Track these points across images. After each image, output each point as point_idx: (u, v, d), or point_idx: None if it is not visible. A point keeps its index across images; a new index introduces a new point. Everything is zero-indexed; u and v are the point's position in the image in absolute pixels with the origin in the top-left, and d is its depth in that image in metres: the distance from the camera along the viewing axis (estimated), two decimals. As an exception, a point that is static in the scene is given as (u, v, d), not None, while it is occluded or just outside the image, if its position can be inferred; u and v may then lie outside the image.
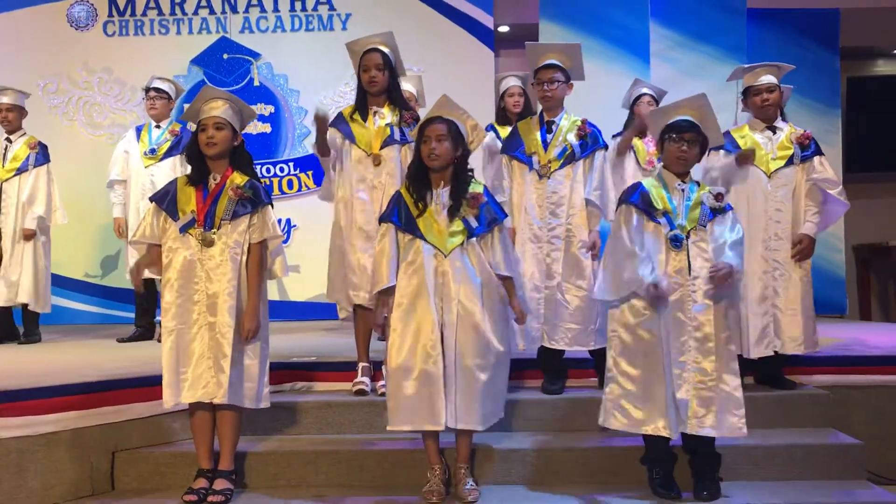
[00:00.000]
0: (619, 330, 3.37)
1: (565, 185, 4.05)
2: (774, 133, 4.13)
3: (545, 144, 4.08)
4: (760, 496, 3.39)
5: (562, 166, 4.05)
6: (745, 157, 3.94)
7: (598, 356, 4.08)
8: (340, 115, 4.19)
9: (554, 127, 4.10)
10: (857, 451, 3.67)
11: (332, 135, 4.13)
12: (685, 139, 3.35)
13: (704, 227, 3.35)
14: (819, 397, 4.03)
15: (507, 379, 3.46)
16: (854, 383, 4.26)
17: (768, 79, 4.14)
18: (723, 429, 3.30)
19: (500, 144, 5.35)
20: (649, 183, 3.43)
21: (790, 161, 4.10)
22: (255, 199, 3.40)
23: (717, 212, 3.37)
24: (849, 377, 4.29)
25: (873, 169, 7.64)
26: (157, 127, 5.68)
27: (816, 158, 4.14)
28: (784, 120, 5.28)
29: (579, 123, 4.10)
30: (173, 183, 3.50)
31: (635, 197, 3.38)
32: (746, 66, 4.26)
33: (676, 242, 3.33)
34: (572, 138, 4.06)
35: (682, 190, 3.38)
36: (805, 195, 4.13)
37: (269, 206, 3.46)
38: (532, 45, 4.24)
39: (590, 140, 4.08)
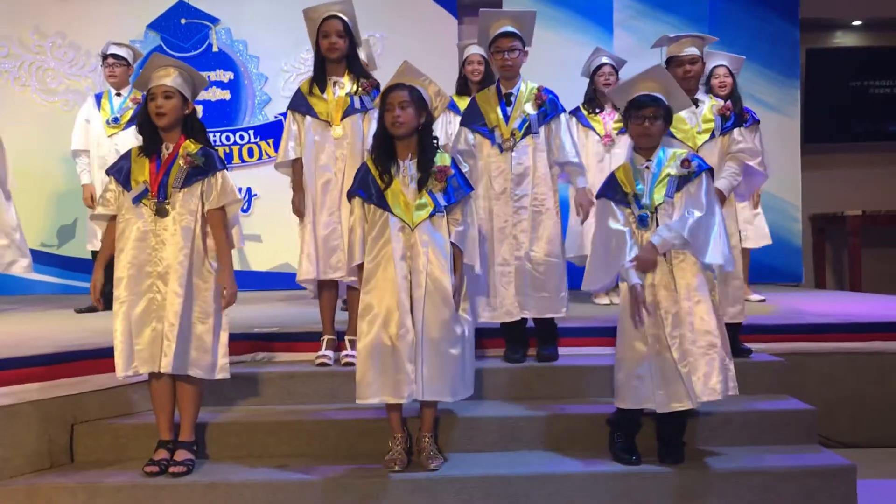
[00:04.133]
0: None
1: (528, 156, 4.04)
2: (697, 106, 4.03)
3: (506, 118, 4.06)
4: (715, 461, 3.46)
5: (523, 137, 4.04)
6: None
7: (541, 326, 4.13)
8: (299, 92, 4.10)
9: (513, 99, 4.07)
10: (810, 416, 3.76)
11: (293, 121, 4.06)
12: (645, 115, 3.36)
13: (672, 199, 3.35)
14: (774, 364, 4.10)
15: (473, 351, 3.46)
16: (808, 350, 4.35)
17: (692, 50, 4.05)
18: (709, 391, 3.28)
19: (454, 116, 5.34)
20: (621, 167, 3.46)
21: (713, 134, 4.02)
22: (208, 166, 3.36)
23: (684, 179, 3.36)
24: (803, 344, 4.37)
25: (831, 140, 7.75)
26: (118, 94, 5.57)
27: (736, 130, 4.06)
28: (736, 92, 5.25)
29: (536, 91, 4.07)
30: (127, 155, 3.44)
31: (604, 190, 3.43)
32: (672, 35, 4.21)
33: (642, 223, 3.36)
34: (529, 108, 4.05)
35: (648, 168, 3.39)
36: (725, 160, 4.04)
37: (225, 171, 3.40)
38: (486, 11, 4.15)
39: (549, 107, 4.06)
